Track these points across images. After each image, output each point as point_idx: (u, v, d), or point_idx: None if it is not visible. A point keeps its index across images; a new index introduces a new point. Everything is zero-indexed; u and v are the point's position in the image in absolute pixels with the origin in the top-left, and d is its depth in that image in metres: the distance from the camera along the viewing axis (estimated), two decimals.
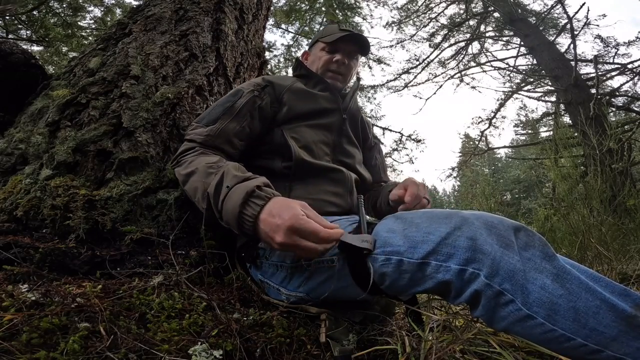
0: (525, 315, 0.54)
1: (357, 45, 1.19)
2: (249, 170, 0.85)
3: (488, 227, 0.60)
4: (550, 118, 7.20)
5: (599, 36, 6.35)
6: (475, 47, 8.33)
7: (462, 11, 8.44)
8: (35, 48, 5.29)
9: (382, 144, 8.17)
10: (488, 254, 0.56)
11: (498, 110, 7.50)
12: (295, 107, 1.06)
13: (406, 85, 8.38)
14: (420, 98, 8.28)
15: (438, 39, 8.52)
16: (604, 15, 6.38)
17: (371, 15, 9.29)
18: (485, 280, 0.55)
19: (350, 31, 1.17)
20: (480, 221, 0.61)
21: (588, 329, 0.51)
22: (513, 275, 0.55)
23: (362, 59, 8.39)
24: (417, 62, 8.49)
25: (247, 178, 0.75)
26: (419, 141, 8.19)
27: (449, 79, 7.93)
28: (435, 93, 7.94)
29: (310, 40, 1.38)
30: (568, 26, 5.58)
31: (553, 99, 6.49)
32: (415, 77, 8.38)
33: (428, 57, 8.40)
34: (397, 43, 8.75)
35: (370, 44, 1.24)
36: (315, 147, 1.04)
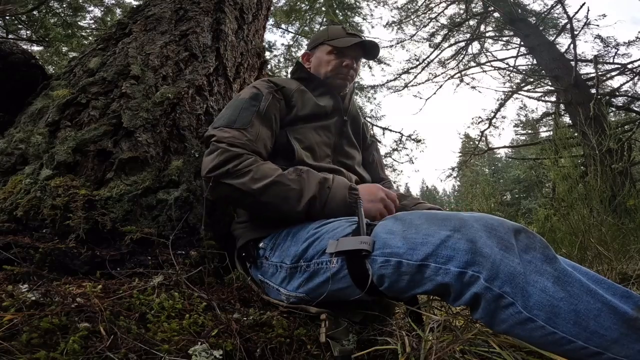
0: (526, 318, 0.54)
1: (367, 53, 1.21)
2: None
3: (488, 229, 0.60)
4: (550, 118, 7.20)
5: (599, 36, 6.35)
6: (475, 47, 8.34)
7: (462, 11, 8.44)
8: (35, 48, 5.29)
9: (380, 142, 8.15)
10: (488, 257, 0.56)
11: (498, 110, 7.49)
12: (300, 110, 1.07)
13: (406, 85, 8.37)
14: (420, 98, 8.27)
15: (438, 39, 8.52)
16: (604, 15, 6.39)
17: (371, 15, 9.27)
18: (485, 284, 0.55)
19: (360, 37, 1.18)
20: (480, 223, 0.61)
21: (589, 332, 0.51)
22: (513, 278, 0.55)
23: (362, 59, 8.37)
24: (417, 62, 8.49)
25: (334, 178, 0.92)
26: (419, 141, 8.19)
27: (449, 79, 7.92)
28: (435, 93, 7.94)
29: (309, 41, 1.37)
30: (568, 26, 5.58)
31: (553, 99, 6.49)
32: (415, 77, 8.38)
33: (428, 57, 8.40)
34: (397, 43, 8.75)
35: (379, 51, 1.25)
36: (317, 148, 1.05)
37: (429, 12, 8.58)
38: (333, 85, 1.18)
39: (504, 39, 7.79)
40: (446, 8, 8.50)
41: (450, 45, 8.39)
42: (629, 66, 5.48)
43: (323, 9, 7.81)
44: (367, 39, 1.19)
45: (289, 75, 1.29)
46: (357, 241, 0.69)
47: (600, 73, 5.62)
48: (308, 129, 1.06)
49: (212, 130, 0.93)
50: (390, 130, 8.25)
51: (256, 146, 0.92)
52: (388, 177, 1.39)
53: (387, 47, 8.83)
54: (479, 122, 7.71)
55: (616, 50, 6.14)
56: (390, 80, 8.60)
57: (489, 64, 7.34)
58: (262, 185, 0.83)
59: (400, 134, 8.26)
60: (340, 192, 0.88)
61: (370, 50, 1.20)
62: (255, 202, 0.85)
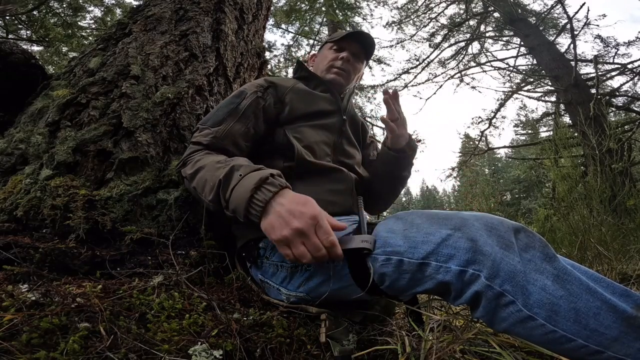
0: (526, 316, 0.54)
1: (362, 44, 1.21)
2: None
3: (488, 228, 0.60)
4: (550, 118, 7.20)
5: (599, 36, 6.36)
6: (475, 47, 8.34)
7: (462, 11, 8.44)
8: (35, 48, 5.30)
9: (380, 142, 8.13)
10: (488, 256, 0.56)
11: (498, 110, 7.49)
12: (297, 108, 1.06)
13: (406, 85, 8.37)
14: (420, 98, 8.28)
15: (438, 39, 8.53)
16: (604, 15, 6.39)
17: (371, 15, 9.27)
18: (486, 282, 0.55)
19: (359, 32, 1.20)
20: (481, 222, 0.61)
21: (589, 330, 0.51)
22: (513, 277, 0.55)
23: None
24: (417, 62, 8.49)
25: (260, 168, 0.77)
26: (419, 141, 8.14)
27: (449, 79, 7.92)
28: (435, 93, 7.93)
29: (312, 42, 1.39)
30: (568, 26, 5.58)
31: (553, 99, 6.49)
32: (415, 77, 8.37)
33: (428, 57, 8.40)
34: (397, 43, 8.75)
35: (375, 45, 1.27)
36: (317, 147, 1.04)
37: (429, 12, 8.58)
38: (328, 81, 1.18)
39: (504, 39, 7.79)
40: (446, 8, 8.51)
41: (450, 45, 8.39)
42: (629, 66, 5.49)
43: (323, 9, 7.81)
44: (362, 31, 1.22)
45: (291, 75, 1.29)
46: (359, 240, 0.69)
47: (600, 73, 5.63)
48: (307, 128, 1.05)
49: (193, 133, 0.98)
50: None
51: (222, 143, 0.93)
52: None
53: (387, 47, 8.84)
54: (479, 122, 7.72)
55: (616, 50, 6.15)
56: (390, 80, 8.61)
57: (489, 64, 7.34)
58: (193, 170, 0.85)
59: None
60: (247, 184, 0.70)
61: (365, 41, 1.21)
62: (192, 189, 0.86)
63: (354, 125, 1.24)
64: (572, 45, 5.39)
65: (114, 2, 5.89)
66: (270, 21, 7.46)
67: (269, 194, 0.69)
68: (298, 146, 0.98)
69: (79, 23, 5.55)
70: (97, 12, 5.83)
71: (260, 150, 1.04)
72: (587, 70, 6.30)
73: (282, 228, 0.66)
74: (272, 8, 2.80)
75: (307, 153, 1.00)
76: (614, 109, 5.52)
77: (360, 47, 1.21)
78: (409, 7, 8.75)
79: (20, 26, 5.03)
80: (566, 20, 5.79)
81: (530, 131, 9.40)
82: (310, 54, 1.34)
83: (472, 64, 7.97)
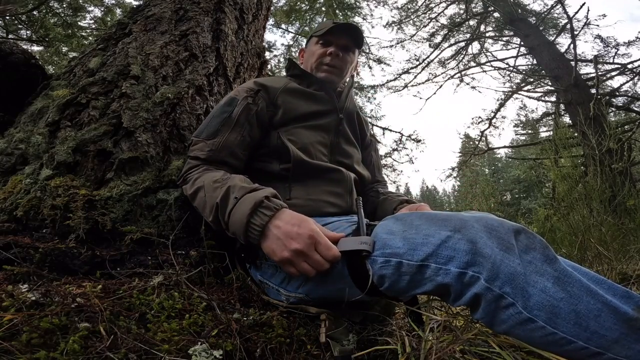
0: (526, 318, 0.54)
1: (350, 36, 1.17)
2: (247, 173, 0.89)
3: (488, 230, 0.60)
4: (550, 118, 7.20)
5: (599, 36, 6.36)
6: (475, 47, 8.34)
7: (462, 11, 8.44)
8: (35, 48, 5.30)
9: (379, 142, 8.14)
10: (488, 258, 0.56)
11: (498, 110, 7.49)
12: (290, 109, 1.05)
13: (406, 85, 8.37)
14: (420, 98, 8.30)
15: (438, 39, 8.52)
16: (604, 15, 6.38)
17: (371, 15, 9.25)
18: (486, 284, 0.55)
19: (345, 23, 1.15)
20: (481, 224, 0.61)
21: (589, 332, 0.51)
22: (513, 279, 0.55)
23: (362, 58, 8.38)
24: (417, 62, 8.49)
25: (255, 189, 0.78)
26: (419, 141, 8.17)
27: (449, 79, 7.93)
28: (435, 93, 7.94)
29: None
30: (568, 26, 5.58)
31: (553, 99, 6.49)
32: (415, 77, 8.37)
33: (428, 57, 8.40)
34: (397, 43, 8.75)
35: (364, 35, 1.20)
36: (312, 148, 1.03)
37: (429, 12, 8.58)
38: (320, 78, 1.15)
39: (504, 39, 7.79)
40: (446, 8, 8.50)
41: (450, 45, 8.39)
42: (629, 66, 5.49)
43: (323, 9, 7.81)
44: (347, 22, 1.16)
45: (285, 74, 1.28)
46: (358, 241, 0.69)
47: (600, 73, 5.63)
48: (301, 129, 1.04)
49: (189, 146, 0.99)
50: (390, 130, 8.23)
51: (220, 155, 0.93)
52: (384, 178, 1.38)
53: (387, 47, 8.84)
54: (479, 122, 7.71)
55: (616, 50, 6.15)
56: (390, 80, 8.60)
57: (489, 64, 7.34)
58: (193, 190, 0.87)
59: (400, 134, 8.25)
60: (243, 208, 0.73)
61: (351, 33, 1.15)
62: (195, 207, 0.89)
63: (351, 123, 1.21)
64: (572, 45, 5.39)
65: (114, 2, 5.89)
66: (270, 21, 7.46)
67: (265, 217, 0.72)
68: (293, 148, 0.97)
69: (79, 23, 5.55)
70: (97, 12, 5.84)
71: (256, 154, 1.03)
72: (587, 70, 6.30)
73: (282, 250, 0.70)
74: (272, 8, 2.79)
75: (302, 154, 0.99)
76: (614, 109, 5.52)
77: (347, 38, 1.16)
78: (409, 7, 8.74)
79: (20, 26, 5.04)
80: (566, 20, 5.79)
81: (530, 131, 9.41)
82: (300, 49, 1.31)
83: (472, 64, 7.97)
